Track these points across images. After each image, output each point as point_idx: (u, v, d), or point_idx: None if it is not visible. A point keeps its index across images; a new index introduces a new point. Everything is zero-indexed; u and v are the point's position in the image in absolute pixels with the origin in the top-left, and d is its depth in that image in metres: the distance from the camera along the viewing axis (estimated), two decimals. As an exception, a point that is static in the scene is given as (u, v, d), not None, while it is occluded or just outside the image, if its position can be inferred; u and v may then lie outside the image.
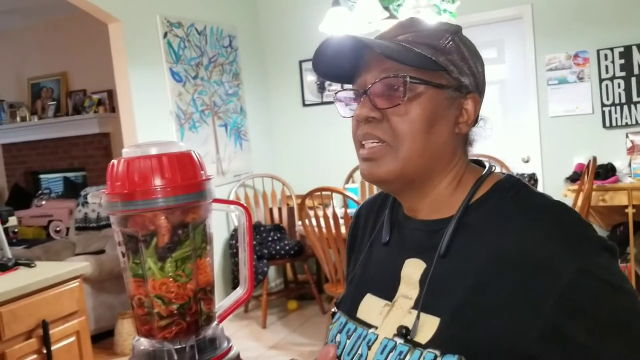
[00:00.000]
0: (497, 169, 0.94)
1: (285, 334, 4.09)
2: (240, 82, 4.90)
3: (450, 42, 0.87)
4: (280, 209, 4.85)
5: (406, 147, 0.84)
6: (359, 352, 0.89)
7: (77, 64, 6.29)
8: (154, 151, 0.90)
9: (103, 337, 4.03)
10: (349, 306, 0.97)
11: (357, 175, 4.85)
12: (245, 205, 1.01)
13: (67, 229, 5.51)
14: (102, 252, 4.41)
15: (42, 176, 6.96)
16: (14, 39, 6.58)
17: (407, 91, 0.83)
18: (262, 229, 4.62)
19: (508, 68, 4.46)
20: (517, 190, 0.86)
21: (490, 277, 0.79)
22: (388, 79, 0.84)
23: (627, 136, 4.00)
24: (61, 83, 6.46)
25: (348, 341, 0.92)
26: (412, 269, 0.89)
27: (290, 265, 4.92)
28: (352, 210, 3.33)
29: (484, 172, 0.91)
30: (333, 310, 1.02)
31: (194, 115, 4.35)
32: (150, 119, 3.94)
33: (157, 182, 0.87)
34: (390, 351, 0.84)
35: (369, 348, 0.87)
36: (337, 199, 3.92)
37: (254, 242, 4.40)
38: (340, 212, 3.35)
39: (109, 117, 6.08)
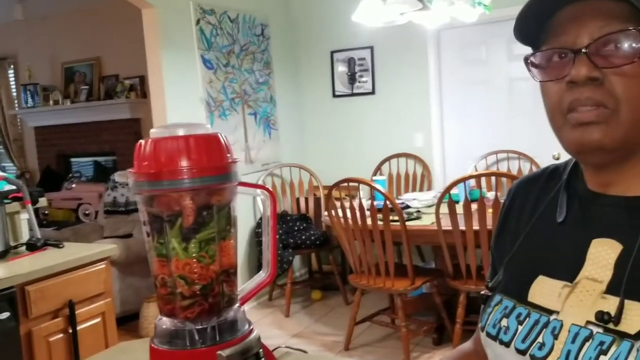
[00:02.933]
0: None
1: (308, 323, 4.11)
2: (271, 71, 4.91)
3: None
4: (307, 199, 4.86)
5: (632, 111, 0.74)
6: (540, 340, 0.79)
7: (110, 50, 6.37)
8: (181, 132, 0.90)
9: (129, 320, 4.10)
10: (517, 289, 0.87)
11: (385, 168, 4.83)
12: (270, 190, 1.01)
13: (96, 212, 5.60)
14: (129, 235, 4.47)
15: (73, 159, 7.09)
16: (48, 23, 6.69)
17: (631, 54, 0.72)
18: (288, 218, 4.63)
19: (542, 63, 4.37)
20: None
21: None
22: (618, 33, 0.73)
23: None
24: (94, 68, 6.56)
25: (520, 327, 0.83)
26: (605, 250, 0.79)
27: (316, 255, 4.93)
28: (378, 202, 3.31)
29: None
30: (485, 292, 0.94)
31: (224, 103, 4.38)
32: (180, 105, 3.98)
33: (184, 162, 0.88)
34: (586, 341, 0.75)
35: (555, 337, 0.78)
36: (364, 191, 3.91)
37: (280, 231, 4.42)
38: (366, 204, 3.33)
39: (140, 103, 6.16)
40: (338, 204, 3.34)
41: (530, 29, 0.82)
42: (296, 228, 4.54)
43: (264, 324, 4.09)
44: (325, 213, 3.53)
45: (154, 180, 0.89)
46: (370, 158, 4.82)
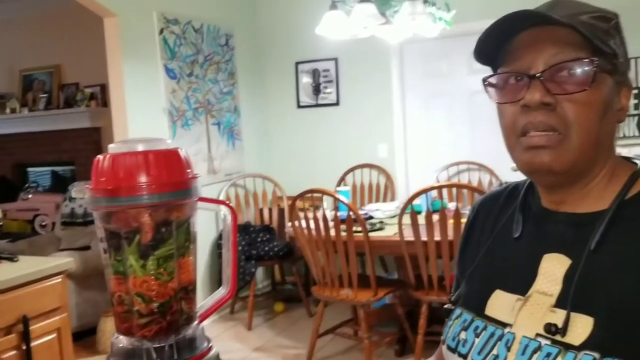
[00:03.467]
0: None
1: (270, 336, 4.08)
2: (235, 82, 4.89)
3: (615, 23, 0.81)
4: (270, 210, 4.84)
5: (581, 136, 0.78)
6: (495, 352, 0.83)
7: (70, 57, 6.25)
8: (140, 148, 0.89)
9: (86, 335, 3.99)
10: (475, 303, 0.91)
11: (349, 178, 4.85)
12: (231, 204, 1.00)
13: (53, 223, 5.47)
14: (87, 248, 4.38)
15: (30, 169, 6.91)
16: (6, 29, 6.52)
17: (595, 76, 0.77)
18: (251, 229, 4.60)
19: (502, 77, 4.47)
20: None
21: None
22: (572, 62, 0.77)
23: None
24: (54, 76, 6.42)
25: (477, 340, 0.87)
26: (554, 264, 0.82)
27: (279, 267, 4.90)
28: (342, 213, 3.32)
29: (639, 167, 0.84)
30: (448, 306, 0.97)
31: (187, 113, 4.33)
32: (142, 114, 3.92)
33: (142, 178, 0.87)
34: (535, 352, 0.78)
35: (508, 349, 0.81)
36: (327, 202, 3.91)
37: (243, 242, 4.39)
38: (330, 214, 3.34)
39: (101, 112, 6.05)
40: (302, 214, 3.34)
41: (489, 51, 0.85)
42: (259, 239, 4.52)
43: (225, 338, 4.04)
44: (289, 224, 3.53)
45: (111, 197, 0.88)
46: (335, 168, 4.83)
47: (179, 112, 4.26)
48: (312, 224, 3.28)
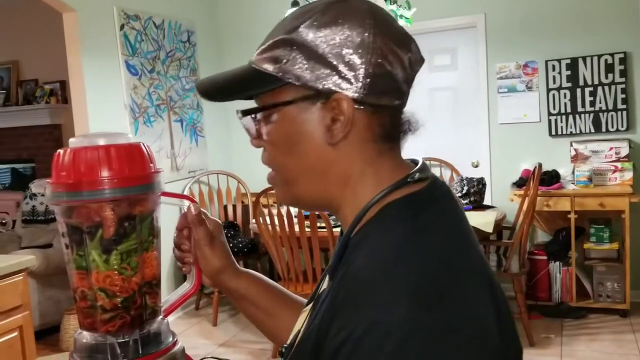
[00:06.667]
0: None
1: (235, 332, 4.08)
2: (197, 78, 4.86)
3: (289, 47, 0.70)
4: (234, 207, 4.84)
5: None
6: None
7: (29, 53, 6.11)
8: (101, 142, 0.89)
9: (49, 333, 3.94)
10: None
11: (312, 175, 4.87)
12: (195, 199, 1.01)
13: (14, 221, 5.35)
14: (49, 246, 4.30)
15: (-12, 167, 6.74)
16: (-38, 24, 6.35)
17: (259, 128, 0.78)
18: (215, 226, 4.59)
19: (460, 75, 4.55)
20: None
21: None
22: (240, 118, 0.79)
23: (571, 145, 4.14)
24: (12, 72, 6.27)
25: None
26: None
27: (244, 263, 4.89)
28: (305, 210, 3.35)
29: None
30: None
31: (149, 110, 4.30)
32: (103, 111, 3.87)
33: (104, 173, 0.86)
34: None
35: None
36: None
37: (207, 240, 4.37)
38: (294, 210, 3.36)
39: (61, 109, 5.94)
40: (266, 211, 3.35)
41: None
42: (224, 236, 4.51)
43: (190, 334, 4.03)
44: (253, 220, 3.53)
45: (72, 191, 0.87)
46: (298, 165, 4.85)
47: (141, 108, 4.22)
48: (276, 220, 3.30)
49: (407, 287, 0.61)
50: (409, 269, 0.62)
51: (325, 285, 0.78)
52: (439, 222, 0.70)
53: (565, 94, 4.21)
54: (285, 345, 0.83)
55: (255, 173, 4.99)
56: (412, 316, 0.59)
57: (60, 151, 0.89)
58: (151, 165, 0.93)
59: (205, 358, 1.27)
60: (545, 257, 4.08)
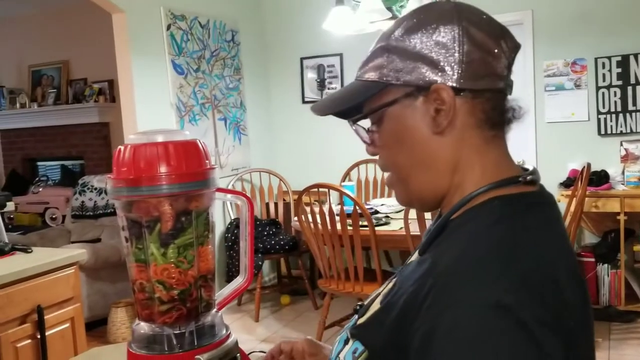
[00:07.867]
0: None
1: (277, 328, 4.12)
2: (241, 77, 4.92)
3: (386, 53, 0.78)
4: (276, 204, 4.88)
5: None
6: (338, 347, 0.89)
7: (78, 53, 6.29)
8: (160, 139, 0.92)
9: (96, 325, 4.05)
10: None
11: (354, 173, 4.87)
12: (249, 197, 1.03)
13: (63, 216, 5.52)
14: (97, 240, 4.42)
15: (39, 163, 6.97)
16: (16, 25, 6.57)
17: (372, 136, 0.82)
18: (257, 223, 4.64)
19: (507, 72, 4.48)
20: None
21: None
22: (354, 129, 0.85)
23: (621, 144, 4.03)
24: (62, 71, 6.47)
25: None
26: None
27: (285, 260, 4.94)
28: (348, 208, 3.35)
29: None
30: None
31: (194, 108, 4.37)
32: (150, 110, 3.96)
33: (163, 169, 0.89)
34: (345, 342, 0.86)
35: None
36: (333, 196, 3.94)
37: (249, 236, 4.42)
38: (336, 209, 3.37)
39: (109, 107, 6.09)
40: (308, 209, 3.37)
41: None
42: (265, 233, 4.55)
43: (233, 329, 4.01)
44: (295, 218, 3.55)
45: (132, 186, 0.91)
46: (339, 164, 4.86)
47: (187, 107, 4.29)
48: (318, 219, 3.31)
49: (505, 283, 0.64)
50: (508, 264, 0.66)
51: (413, 258, 0.83)
52: (543, 227, 0.73)
53: (615, 92, 4.10)
54: (359, 304, 0.87)
55: (297, 171, 5.03)
56: (504, 305, 0.62)
57: (121, 147, 0.92)
58: (207, 161, 0.95)
59: (253, 351, 1.29)
60: (593, 260, 3.99)
